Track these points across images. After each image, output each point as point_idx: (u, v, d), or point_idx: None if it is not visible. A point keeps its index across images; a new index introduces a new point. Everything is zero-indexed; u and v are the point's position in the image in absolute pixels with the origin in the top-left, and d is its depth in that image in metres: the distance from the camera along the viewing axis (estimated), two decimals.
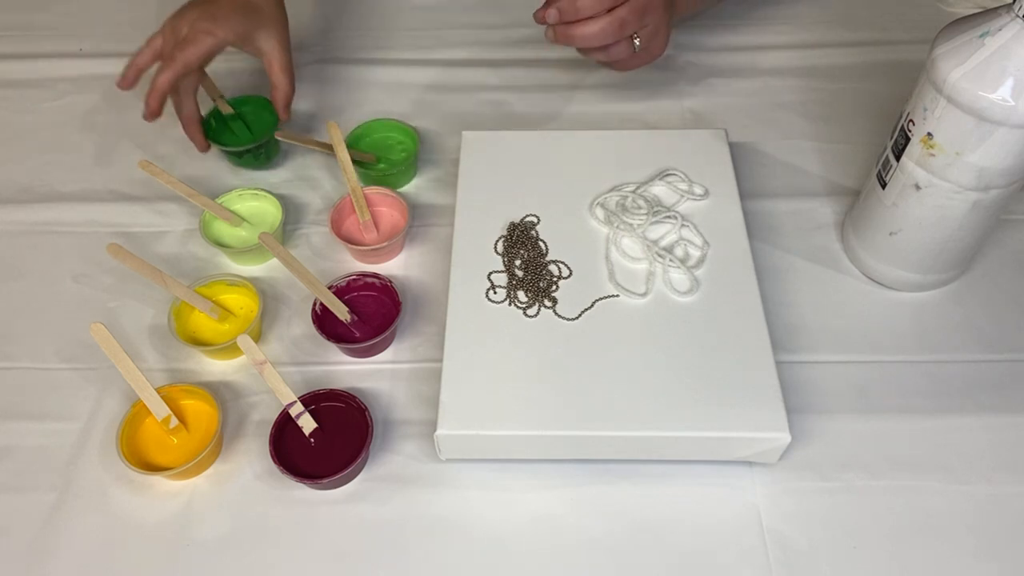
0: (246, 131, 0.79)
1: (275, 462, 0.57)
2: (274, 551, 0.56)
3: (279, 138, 0.75)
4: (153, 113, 0.72)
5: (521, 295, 0.63)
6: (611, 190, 0.69)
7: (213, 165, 0.79)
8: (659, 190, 0.69)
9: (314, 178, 0.78)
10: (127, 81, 0.73)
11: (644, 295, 0.63)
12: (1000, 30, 0.52)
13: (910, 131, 0.59)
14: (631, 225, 0.66)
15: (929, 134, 0.57)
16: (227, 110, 0.79)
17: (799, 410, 0.60)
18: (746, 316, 0.61)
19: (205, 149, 0.77)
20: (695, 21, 0.89)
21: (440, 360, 0.59)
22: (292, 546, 0.57)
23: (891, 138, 0.62)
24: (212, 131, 0.78)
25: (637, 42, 0.71)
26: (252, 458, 0.60)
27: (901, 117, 0.60)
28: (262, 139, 0.77)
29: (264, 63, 0.75)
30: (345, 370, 0.65)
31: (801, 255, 0.70)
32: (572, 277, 0.64)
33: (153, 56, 0.73)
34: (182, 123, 0.75)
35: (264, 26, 0.74)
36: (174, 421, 0.59)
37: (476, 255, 0.66)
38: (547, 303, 0.62)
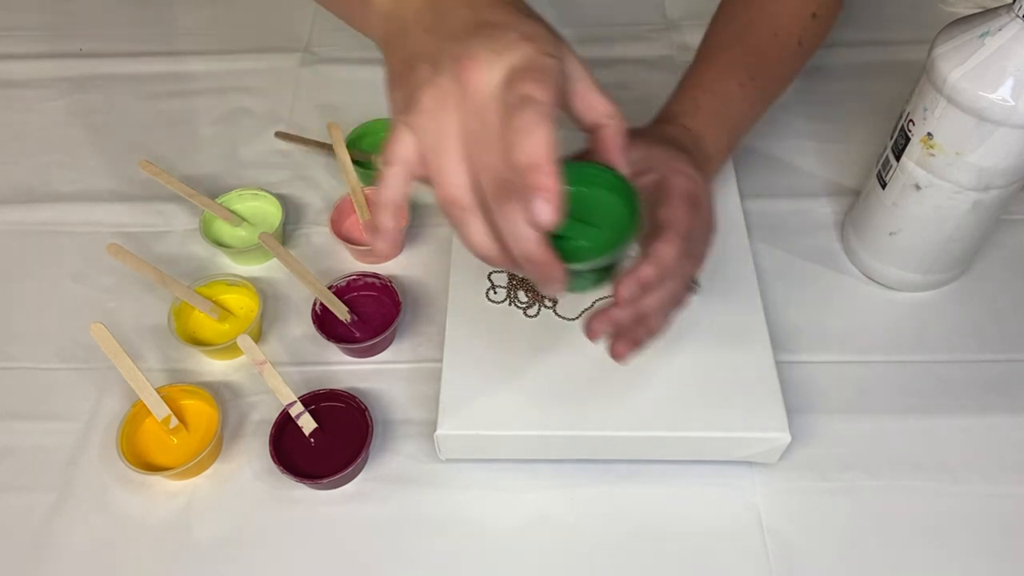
0: (586, 228, 0.45)
1: (275, 462, 0.57)
2: (274, 551, 0.56)
3: (278, 137, 0.75)
4: (557, 207, 0.37)
5: (521, 295, 0.63)
6: None
7: (213, 165, 0.79)
8: None
9: (314, 178, 0.78)
10: (388, 239, 0.43)
11: None
12: (1000, 30, 0.52)
13: (910, 131, 0.59)
14: None
15: (929, 134, 0.57)
16: None
17: (799, 410, 0.60)
18: (746, 316, 0.61)
19: (564, 281, 0.42)
20: (696, 21, 0.88)
21: (440, 360, 0.59)
22: (292, 546, 0.57)
23: (891, 138, 0.62)
24: None
25: (698, 286, 0.58)
26: (252, 458, 0.60)
27: (901, 117, 0.60)
28: (629, 230, 0.44)
29: (571, 94, 0.43)
30: (345, 370, 0.65)
31: (801, 255, 0.70)
32: None
33: (409, 171, 0.41)
34: (523, 254, 0.40)
35: (560, 40, 0.42)
36: (174, 421, 0.59)
37: None
38: (547, 303, 0.62)
